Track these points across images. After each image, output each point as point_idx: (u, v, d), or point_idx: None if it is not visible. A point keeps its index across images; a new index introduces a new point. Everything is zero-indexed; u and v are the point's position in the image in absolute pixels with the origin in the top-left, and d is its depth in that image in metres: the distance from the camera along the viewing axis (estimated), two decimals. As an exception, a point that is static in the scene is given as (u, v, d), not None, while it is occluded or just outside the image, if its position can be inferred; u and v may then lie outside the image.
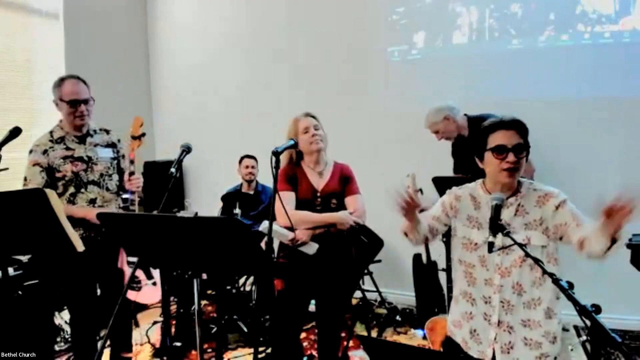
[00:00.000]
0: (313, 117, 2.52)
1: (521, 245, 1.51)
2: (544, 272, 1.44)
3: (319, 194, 2.43)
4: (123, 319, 2.79)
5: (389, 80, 4.13)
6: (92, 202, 2.63)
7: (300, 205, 2.40)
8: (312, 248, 2.37)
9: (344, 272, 2.47)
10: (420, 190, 3.64)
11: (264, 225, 2.24)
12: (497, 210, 1.60)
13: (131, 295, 2.83)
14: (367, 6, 4.17)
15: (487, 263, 1.80)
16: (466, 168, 3.32)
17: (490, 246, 1.60)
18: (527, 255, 1.50)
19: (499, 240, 1.64)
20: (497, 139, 1.75)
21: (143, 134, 2.81)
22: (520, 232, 1.75)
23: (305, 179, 2.46)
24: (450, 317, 1.96)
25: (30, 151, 2.58)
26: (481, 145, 1.80)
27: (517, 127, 1.77)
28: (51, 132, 2.63)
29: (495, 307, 1.77)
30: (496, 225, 1.56)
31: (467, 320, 1.86)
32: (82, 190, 2.60)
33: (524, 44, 3.65)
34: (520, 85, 3.62)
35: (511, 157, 1.72)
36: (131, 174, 2.65)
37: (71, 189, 2.57)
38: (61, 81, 2.58)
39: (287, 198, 2.36)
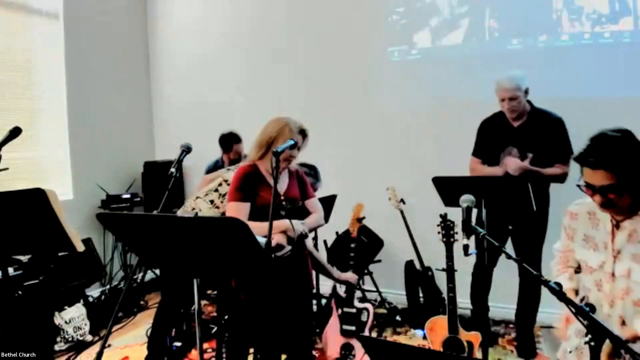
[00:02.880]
0: (305, 135, 2.35)
1: (500, 247, 1.48)
2: (530, 272, 1.40)
3: (282, 197, 2.32)
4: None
5: (389, 80, 4.13)
6: None
7: (264, 210, 2.16)
8: (285, 250, 2.27)
9: (301, 275, 2.41)
10: (402, 200, 3.65)
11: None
12: (467, 212, 1.58)
13: None
14: (367, 6, 4.17)
15: (602, 288, 1.64)
16: (493, 156, 3.11)
17: (465, 249, 1.58)
18: (509, 257, 1.47)
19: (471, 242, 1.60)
20: (586, 174, 1.54)
21: (363, 217, 3.17)
22: (624, 261, 1.57)
23: (264, 183, 2.30)
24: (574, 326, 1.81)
25: None
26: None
27: (606, 164, 1.48)
28: None
29: None
30: (468, 228, 1.54)
31: (578, 338, 1.73)
32: None
33: (524, 44, 3.65)
34: (520, 85, 3.62)
35: (597, 197, 1.53)
36: None
37: None
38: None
39: (238, 210, 2.21)
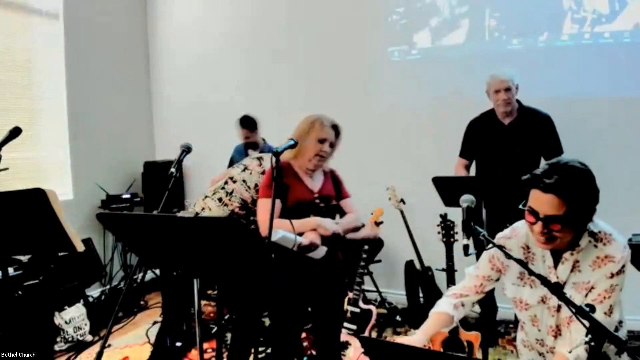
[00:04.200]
0: (337, 131, 2.36)
1: (506, 253, 1.45)
2: (530, 271, 1.39)
3: (316, 195, 2.32)
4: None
5: (389, 80, 4.13)
6: None
7: (299, 207, 2.24)
8: (321, 251, 2.23)
9: (333, 276, 2.40)
10: (402, 200, 3.64)
11: (276, 236, 2.05)
12: (468, 212, 1.57)
13: None
14: (367, 6, 4.17)
15: (540, 323, 1.62)
16: (482, 156, 3.17)
17: (465, 249, 1.57)
18: (509, 257, 1.43)
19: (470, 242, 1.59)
20: (533, 198, 1.42)
21: (381, 222, 3.04)
22: (566, 290, 1.50)
23: (297, 180, 2.30)
24: (518, 336, 1.82)
25: None
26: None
27: (560, 190, 1.36)
28: None
29: None
30: (468, 228, 1.52)
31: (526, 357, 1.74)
32: None
33: (524, 44, 3.65)
34: (520, 85, 3.62)
35: (538, 227, 1.41)
36: None
37: None
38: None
39: (270, 206, 2.16)
